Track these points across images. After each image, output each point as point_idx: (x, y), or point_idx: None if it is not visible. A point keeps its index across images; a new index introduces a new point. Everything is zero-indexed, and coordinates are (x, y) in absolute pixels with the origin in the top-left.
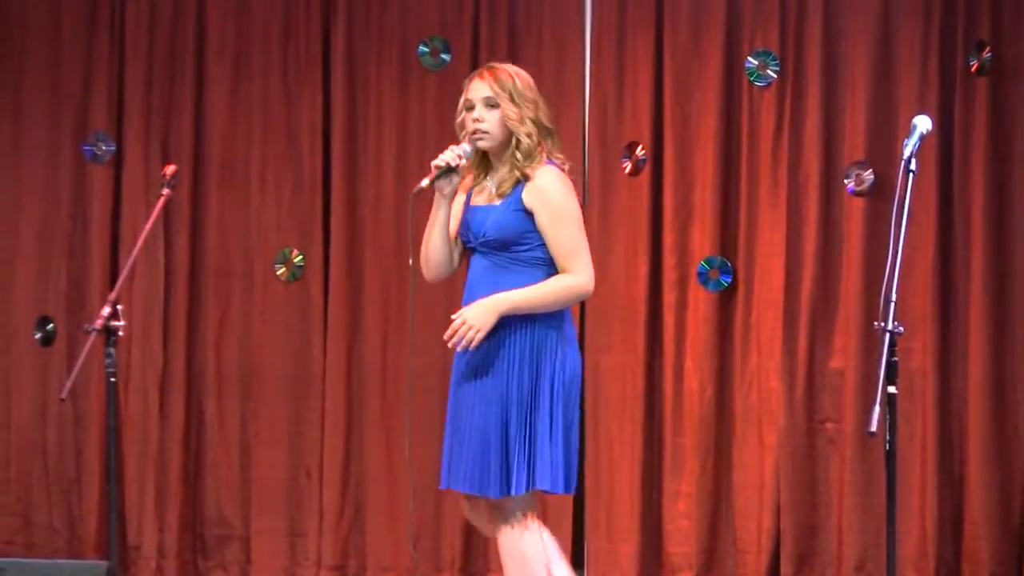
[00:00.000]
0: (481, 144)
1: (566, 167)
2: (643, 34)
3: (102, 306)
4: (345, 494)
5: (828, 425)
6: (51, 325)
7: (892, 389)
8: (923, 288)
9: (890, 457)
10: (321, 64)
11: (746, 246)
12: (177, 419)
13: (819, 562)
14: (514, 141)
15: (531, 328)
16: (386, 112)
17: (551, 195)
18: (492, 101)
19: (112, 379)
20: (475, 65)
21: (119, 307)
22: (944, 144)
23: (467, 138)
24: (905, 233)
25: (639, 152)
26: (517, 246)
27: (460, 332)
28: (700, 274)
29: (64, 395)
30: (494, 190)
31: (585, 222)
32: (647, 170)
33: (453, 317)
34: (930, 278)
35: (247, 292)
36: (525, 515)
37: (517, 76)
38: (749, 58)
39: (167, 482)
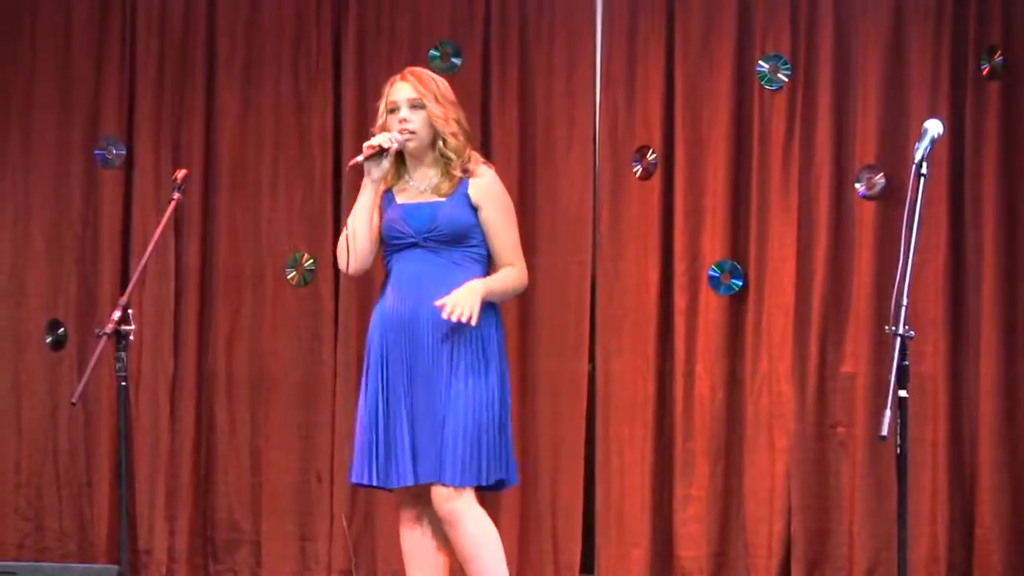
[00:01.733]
0: (409, 144)
1: (492, 166)
2: (654, 38)
3: (113, 310)
4: (355, 498)
5: (839, 429)
6: (62, 329)
7: (903, 393)
8: (934, 292)
9: (901, 461)
10: (332, 68)
11: (757, 250)
12: (188, 423)
13: (830, 566)
14: (440, 141)
15: (489, 320)
16: None
17: (497, 192)
18: (417, 102)
19: (123, 383)
20: (486, 69)
21: (130, 311)
22: (955, 148)
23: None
24: (916, 237)
25: (650, 156)
26: (467, 240)
27: (459, 305)
28: (711, 278)
29: (75, 399)
30: (425, 188)
31: (595, 226)
32: (658, 174)
33: (437, 304)
34: (941, 282)
35: (258, 296)
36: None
37: (435, 78)
38: (760, 62)
39: (178, 486)
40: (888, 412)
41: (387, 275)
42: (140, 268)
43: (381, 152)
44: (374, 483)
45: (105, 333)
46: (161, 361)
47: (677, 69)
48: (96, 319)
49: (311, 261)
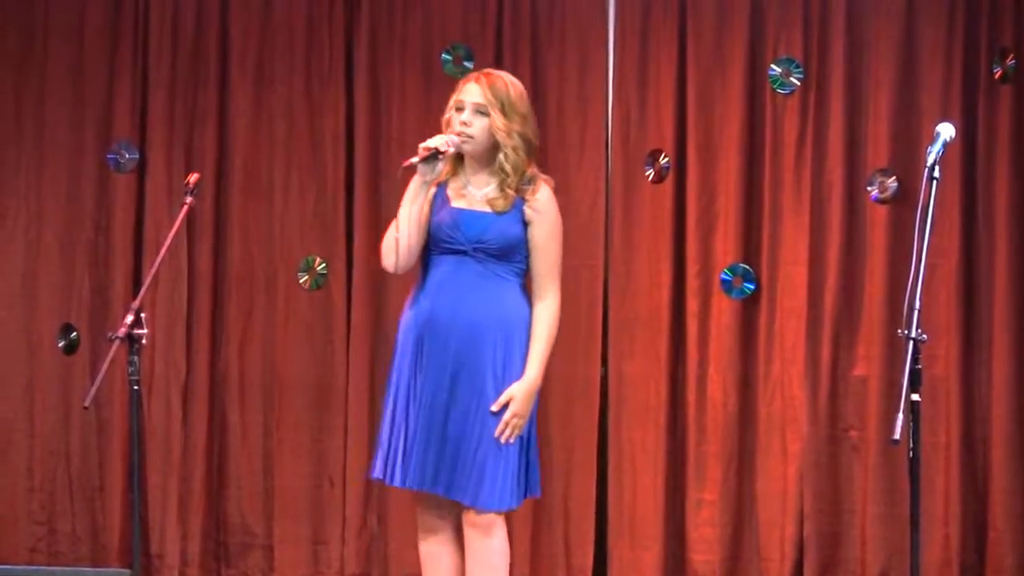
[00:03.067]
0: (465, 147)
1: (551, 184)
2: (666, 41)
3: (125, 314)
4: (368, 502)
5: (852, 433)
6: (74, 333)
7: (916, 397)
8: (947, 296)
9: (914, 465)
10: (344, 72)
11: (769, 254)
12: (200, 427)
13: (843, 570)
14: (501, 154)
15: (524, 332)
16: (409, 120)
17: (551, 212)
18: (483, 108)
19: (135, 387)
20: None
21: (142, 315)
22: (968, 151)
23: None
24: (929, 240)
25: (662, 160)
26: (514, 256)
27: (513, 426)
28: (723, 282)
29: (87, 403)
30: (481, 196)
31: (607, 230)
32: (670, 177)
33: (497, 406)
34: (954, 285)
35: (270, 300)
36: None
37: (512, 86)
38: (772, 65)
39: (190, 490)
40: (900, 415)
41: (424, 274)
42: (152, 272)
43: (436, 155)
44: (395, 483)
45: (117, 337)
46: (173, 365)
47: (689, 72)
48: (108, 323)
49: (323, 265)
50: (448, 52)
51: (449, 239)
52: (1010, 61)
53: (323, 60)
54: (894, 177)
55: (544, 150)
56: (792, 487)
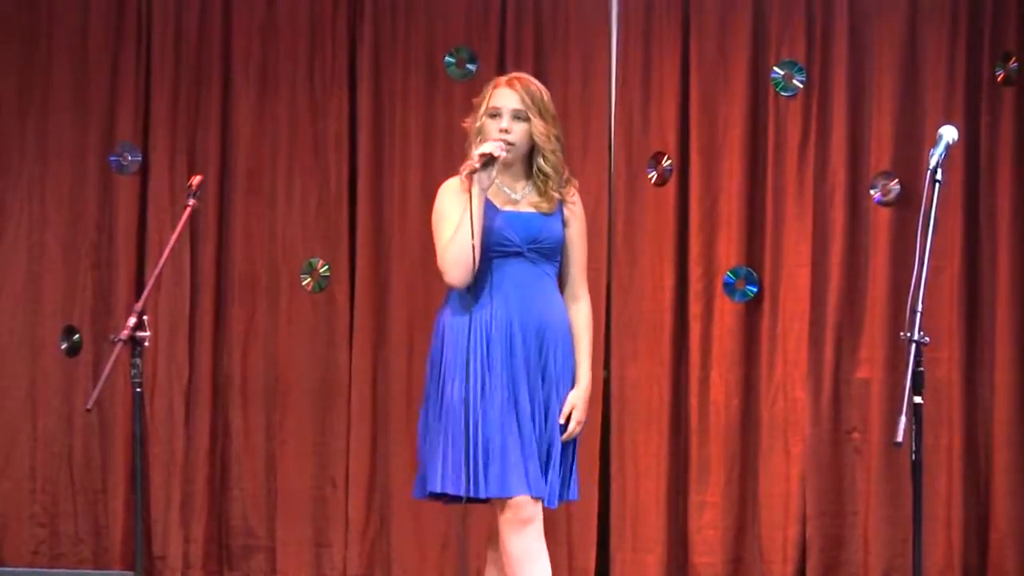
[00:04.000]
0: (506, 155)
1: (577, 184)
2: (669, 44)
3: (128, 316)
4: (371, 504)
5: (854, 435)
6: (77, 335)
7: (918, 399)
8: (949, 298)
9: (916, 467)
10: (347, 74)
11: (772, 256)
12: (203, 429)
13: (845, 572)
14: (540, 157)
15: (564, 338)
16: (412, 122)
17: (582, 214)
18: (521, 114)
19: (138, 389)
20: (502, 75)
21: (145, 317)
22: (970, 154)
23: (486, 142)
24: (931, 243)
25: (665, 162)
26: (559, 255)
27: (579, 433)
28: (726, 284)
29: (90, 405)
30: (519, 198)
31: (610, 232)
32: (673, 180)
33: (564, 416)
34: (956, 288)
35: (273, 302)
36: None
37: (542, 90)
38: (775, 68)
39: (193, 492)
40: (903, 418)
41: (478, 278)
42: (155, 274)
43: (492, 160)
44: (470, 493)
45: (120, 339)
46: (176, 367)
47: (692, 75)
48: (111, 325)
49: (326, 267)
50: (451, 55)
51: (507, 242)
52: (1013, 64)
53: (326, 62)
54: (897, 180)
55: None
56: (794, 489)
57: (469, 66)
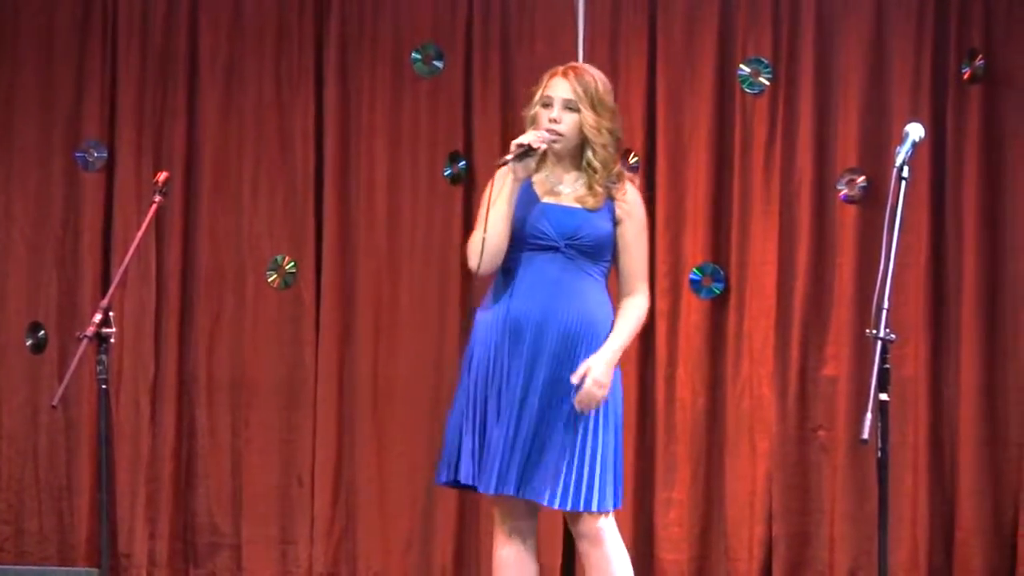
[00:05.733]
0: (555, 146)
1: (636, 181)
2: (636, 41)
3: (94, 313)
4: (336, 502)
5: (820, 433)
6: (42, 332)
7: (884, 397)
8: (915, 295)
9: (882, 465)
10: (314, 71)
11: (739, 253)
12: (168, 426)
13: (811, 570)
14: (589, 150)
15: (597, 340)
16: (379, 119)
17: (640, 211)
18: (572, 104)
19: (103, 386)
20: (468, 72)
21: (111, 314)
22: (937, 152)
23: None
24: (898, 240)
25: (631, 159)
26: (604, 254)
27: (594, 397)
28: (692, 282)
29: (55, 402)
30: (568, 192)
31: None
32: (639, 177)
33: (577, 376)
34: (922, 285)
35: (239, 299)
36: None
37: (600, 81)
38: (742, 65)
39: (158, 489)
40: (869, 415)
41: (507, 273)
42: (121, 271)
43: (529, 151)
44: (469, 482)
45: (86, 336)
46: (142, 364)
47: (659, 73)
48: (77, 322)
49: (292, 264)
50: (418, 51)
51: (541, 235)
52: (979, 61)
53: (293, 59)
54: (863, 177)
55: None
56: (761, 487)
57: (436, 63)
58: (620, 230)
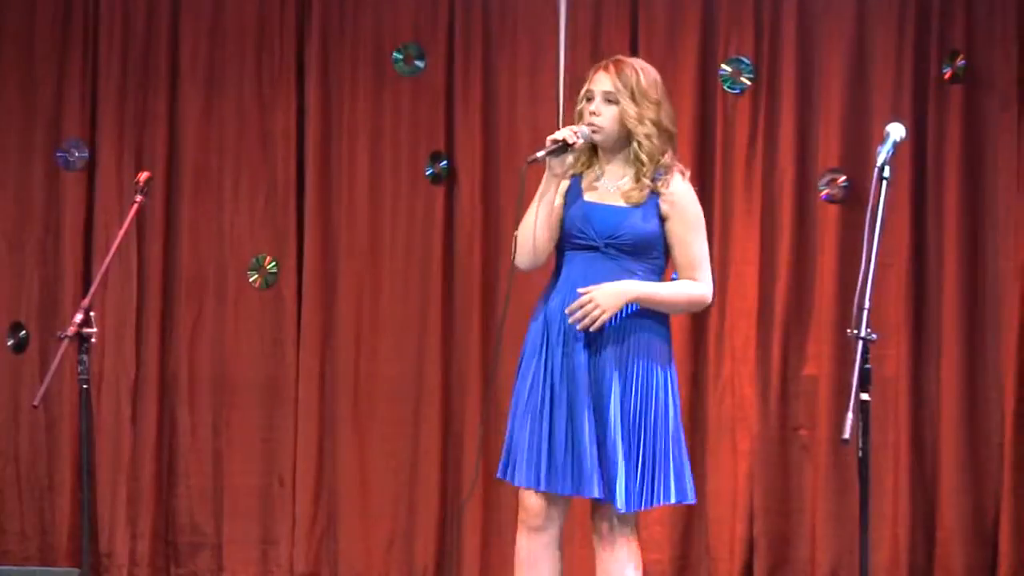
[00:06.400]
0: (596, 137)
1: (687, 173)
2: (617, 40)
3: (75, 313)
4: (318, 501)
5: (802, 432)
6: (24, 332)
7: (865, 396)
8: (896, 295)
9: (863, 464)
10: (295, 71)
11: (720, 253)
12: (150, 426)
13: (792, 569)
14: (635, 143)
15: (656, 329)
16: (360, 119)
17: (688, 204)
18: (611, 97)
19: (85, 386)
20: (449, 72)
21: (92, 314)
22: (918, 152)
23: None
24: (879, 240)
25: None
26: (650, 251)
27: (587, 310)
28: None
29: (37, 402)
30: (615, 188)
31: None
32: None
33: (580, 291)
34: (904, 285)
35: (220, 299)
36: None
37: (642, 72)
38: (723, 65)
39: (139, 489)
40: (850, 415)
41: (557, 270)
42: (102, 271)
43: (565, 147)
44: (528, 484)
45: (67, 336)
46: (123, 364)
47: None
48: (58, 322)
49: (274, 264)
50: (399, 51)
51: (581, 235)
52: (960, 62)
53: (274, 59)
54: (845, 177)
55: (496, 148)
56: (742, 486)
57: (417, 62)
58: (668, 225)
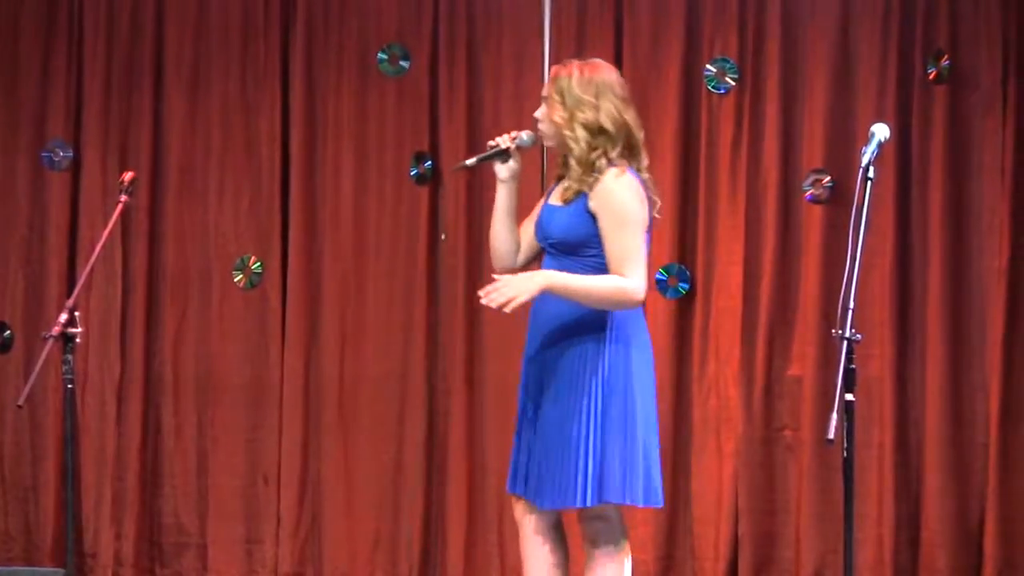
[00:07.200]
0: (546, 141)
1: (644, 173)
2: (602, 41)
3: (59, 313)
4: (302, 501)
5: (786, 433)
6: (8, 332)
7: (850, 397)
8: (881, 296)
9: (848, 465)
10: (280, 71)
11: (704, 254)
12: (134, 426)
13: (777, 569)
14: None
15: (582, 341)
16: (345, 119)
17: (614, 200)
18: (545, 99)
19: (69, 386)
20: (434, 72)
21: (77, 314)
22: (902, 152)
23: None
24: (863, 240)
25: None
26: (584, 250)
27: (498, 288)
28: (658, 282)
29: (21, 402)
30: (557, 190)
31: None
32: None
33: (496, 276)
34: (888, 286)
35: (205, 299)
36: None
37: (578, 73)
38: (708, 66)
39: (124, 489)
40: (835, 415)
41: None
42: (87, 271)
43: (501, 153)
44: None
45: (52, 336)
46: (108, 364)
47: (625, 72)
48: (43, 322)
49: (258, 264)
50: (384, 51)
51: (538, 238)
52: (944, 62)
53: (258, 60)
54: (829, 177)
55: (480, 148)
56: (727, 487)
57: (402, 63)
58: (598, 223)
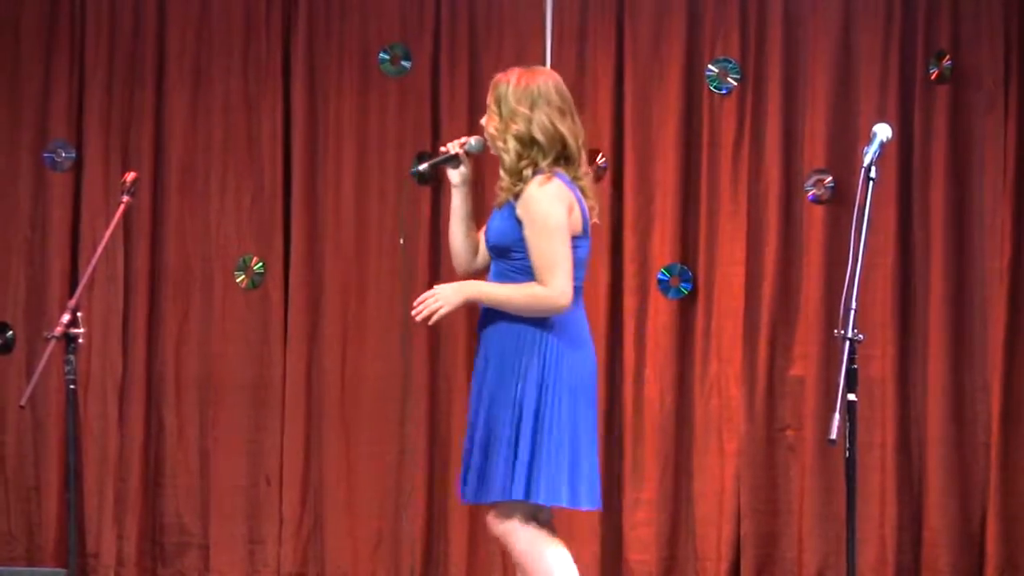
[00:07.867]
0: (492, 150)
1: (581, 180)
2: (604, 41)
3: (62, 313)
4: (304, 501)
5: (788, 433)
6: (10, 332)
7: (852, 397)
8: (883, 296)
9: (850, 465)
10: (282, 71)
11: (706, 254)
12: (136, 426)
13: (779, 569)
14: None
15: (514, 331)
16: (347, 119)
17: (534, 206)
18: (488, 107)
19: (72, 386)
20: (436, 72)
21: (79, 314)
22: (904, 152)
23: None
24: (865, 241)
25: (600, 160)
26: (513, 253)
27: (427, 303)
28: (660, 282)
29: (23, 402)
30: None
31: None
32: (608, 177)
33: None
34: (890, 286)
35: (207, 299)
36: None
37: (515, 84)
38: (710, 66)
39: (126, 489)
40: (837, 415)
41: None
42: (89, 271)
43: (452, 158)
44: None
45: (54, 336)
46: (110, 364)
47: (627, 73)
48: (45, 322)
49: (260, 264)
50: (386, 52)
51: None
52: (946, 62)
53: (260, 60)
54: (831, 177)
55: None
56: (729, 487)
57: (403, 63)
58: (523, 230)
